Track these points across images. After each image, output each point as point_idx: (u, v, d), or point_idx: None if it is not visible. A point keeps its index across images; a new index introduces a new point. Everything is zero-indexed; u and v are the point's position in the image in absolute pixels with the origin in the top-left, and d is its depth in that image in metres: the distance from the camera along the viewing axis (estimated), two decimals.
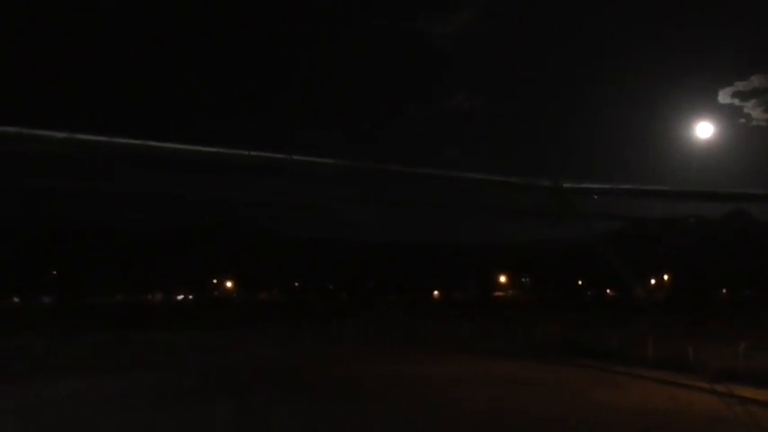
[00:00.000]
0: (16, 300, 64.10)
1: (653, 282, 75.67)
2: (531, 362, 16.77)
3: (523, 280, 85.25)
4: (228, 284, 75.71)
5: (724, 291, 73.67)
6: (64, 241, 68.52)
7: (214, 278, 76.48)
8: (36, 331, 24.21)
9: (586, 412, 10.10)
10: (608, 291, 79.71)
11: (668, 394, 11.56)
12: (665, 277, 73.65)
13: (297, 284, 76.14)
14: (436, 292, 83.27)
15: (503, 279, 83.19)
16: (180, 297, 75.25)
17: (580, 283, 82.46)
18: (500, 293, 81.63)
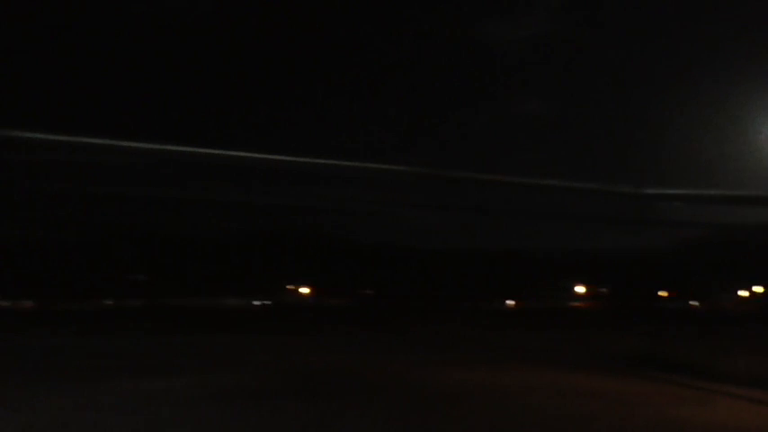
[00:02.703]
0: (109, 302, 67.78)
1: (743, 293, 71.55)
2: (608, 374, 16.21)
3: (601, 290, 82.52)
4: (303, 290, 77.29)
5: None
6: (151, 247, 71.94)
7: (289, 284, 78.20)
8: (126, 332, 25.60)
9: (668, 429, 9.65)
10: (692, 302, 75.97)
11: (760, 414, 10.87)
12: (758, 288, 69.47)
13: (368, 291, 76.78)
14: (509, 301, 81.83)
15: (580, 289, 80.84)
16: (256, 302, 77.38)
17: (661, 293, 79.01)
18: (576, 303, 79.32)
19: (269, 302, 75.74)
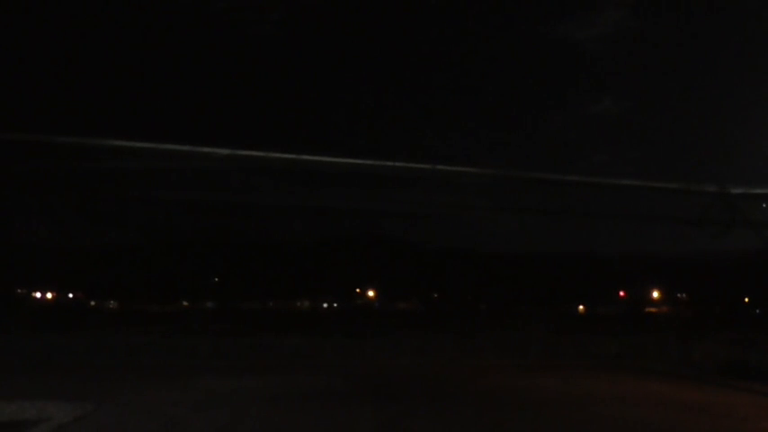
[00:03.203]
0: (185, 304, 70.47)
1: None
2: (686, 383, 15.45)
3: (679, 295, 78.96)
4: (370, 294, 77.81)
5: None
6: (224, 250, 74.28)
7: (357, 287, 78.91)
8: (204, 333, 26.52)
9: None
10: None
11: None
12: None
13: (436, 295, 76.45)
14: (581, 306, 79.54)
15: (655, 294, 77.65)
16: (325, 305, 78.53)
17: (746, 299, 74.78)
18: (652, 309, 76.20)
19: (337, 305, 76.81)
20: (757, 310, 71.18)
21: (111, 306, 68.45)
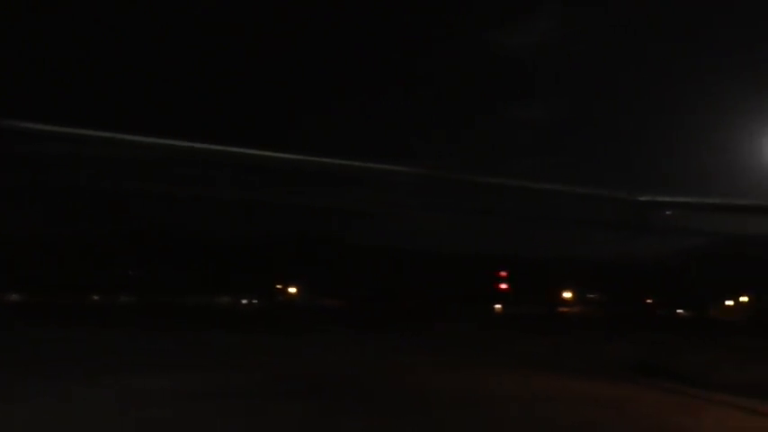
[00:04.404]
0: (95, 297, 67.39)
1: (729, 302, 71.98)
2: (601, 381, 16.25)
3: (589, 296, 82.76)
4: (292, 290, 77.11)
5: None
6: (142, 243, 71.59)
7: (279, 284, 77.97)
8: (116, 329, 25.47)
9: None
10: (679, 310, 76.30)
11: (751, 422, 10.93)
12: (743, 298, 69.94)
13: (362, 292, 76.60)
14: (498, 306, 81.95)
15: (567, 294, 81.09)
16: (244, 301, 77.18)
17: (650, 300, 79.33)
18: (565, 309, 79.47)
19: (257, 301, 75.61)
20: (659, 311, 75.69)
21: (12, 299, 64.44)
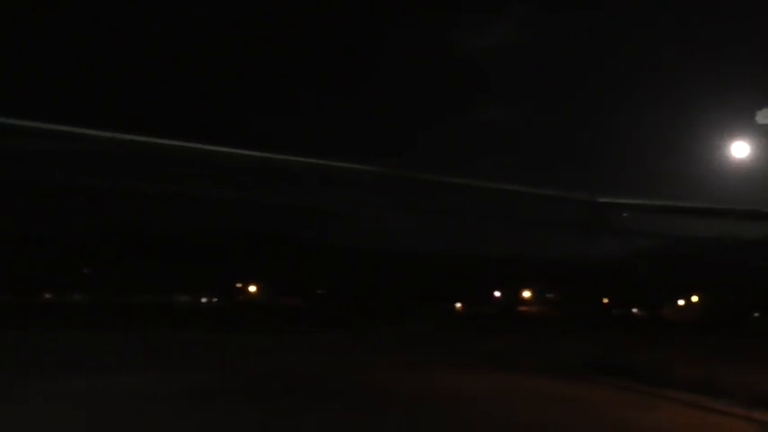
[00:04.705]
0: (47, 296, 65.47)
1: (681, 302, 74.27)
2: (559, 379, 16.55)
3: (548, 295, 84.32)
4: (252, 289, 76.35)
5: (756, 314, 71.87)
6: (98, 240, 69.73)
7: (239, 282, 77.11)
8: (71, 328, 24.76)
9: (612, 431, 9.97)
10: (634, 309, 78.41)
11: (698, 418, 11.30)
12: (694, 298, 72.27)
13: (321, 292, 76.42)
14: (459, 305, 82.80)
15: (526, 294, 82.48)
16: (204, 300, 76.09)
17: (606, 300, 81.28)
18: (524, 308, 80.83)
19: (217, 300, 74.64)
20: (614, 311, 77.65)
21: None
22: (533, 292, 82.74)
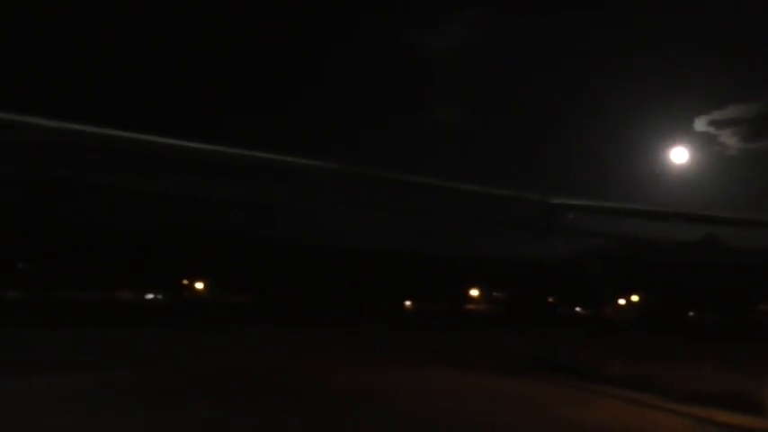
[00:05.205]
0: None
1: (621, 301, 76.74)
2: (501, 375, 16.86)
3: (495, 294, 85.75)
4: (199, 286, 74.84)
5: (691, 314, 75.06)
6: (36, 235, 66.87)
7: (186, 279, 75.45)
8: (8, 326, 23.69)
9: (552, 427, 10.21)
10: (577, 308, 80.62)
11: (634, 413, 11.71)
12: (634, 297, 74.77)
13: (271, 289, 75.54)
14: (408, 303, 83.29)
15: (474, 292, 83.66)
16: (149, 296, 74.15)
17: (551, 299, 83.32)
18: (472, 306, 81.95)
19: (162, 297, 72.83)
20: (558, 309, 79.70)
21: None
22: (481, 291, 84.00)
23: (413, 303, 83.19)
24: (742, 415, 10.87)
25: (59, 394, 11.43)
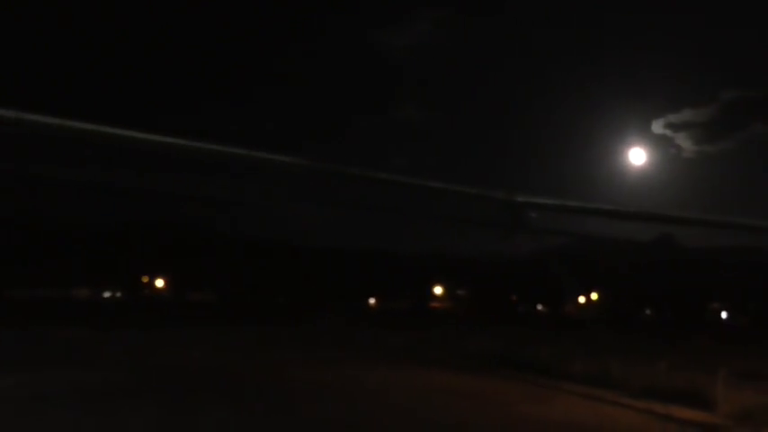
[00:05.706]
0: None
1: (582, 300, 78.17)
2: (463, 373, 16.98)
3: (459, 292, 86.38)
4: (159, 283, 73.44)
5: (648, 312, 76.95)
6: None
7: (144, 276, 73.93)
8: None
9: (511, 424, 10.32)
10: (539, 306, 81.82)
11: (592, 409, 11.93)
12: (594, 296, 76.26)
13: (232, 287, 74.61)
14: (372, 300, 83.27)
15: (438, 290, 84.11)
16: (107, 294, 72.41)
17: (514, 297, 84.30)
18: (436, 304, 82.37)
19: (121, 295, 71.18)
20: (520, 307, 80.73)
21: None
22: (445, 289, 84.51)
23: (377, 301, 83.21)
24: (694, 410, 11.18)
25: (16, 393, 11.06)
